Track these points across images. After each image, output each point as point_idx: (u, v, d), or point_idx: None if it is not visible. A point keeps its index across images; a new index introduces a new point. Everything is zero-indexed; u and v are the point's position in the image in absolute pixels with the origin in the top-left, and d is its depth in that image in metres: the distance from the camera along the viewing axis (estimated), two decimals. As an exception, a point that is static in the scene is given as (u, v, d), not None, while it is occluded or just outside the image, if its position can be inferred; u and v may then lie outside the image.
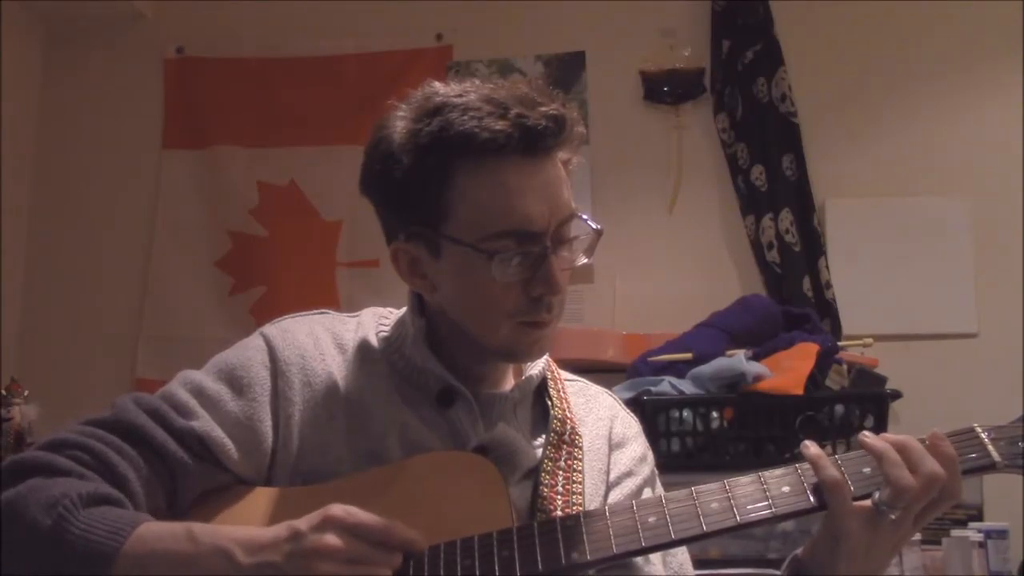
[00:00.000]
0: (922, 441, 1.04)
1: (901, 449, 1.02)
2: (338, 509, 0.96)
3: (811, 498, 1.02)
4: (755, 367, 2.46)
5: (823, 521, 1.04)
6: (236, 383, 1.13)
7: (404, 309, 1.22)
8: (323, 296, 3.08)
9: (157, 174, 3.32)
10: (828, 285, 2.92)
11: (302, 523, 0.95)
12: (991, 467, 1.04)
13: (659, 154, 3.12)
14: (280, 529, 0.96)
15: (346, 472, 1.10)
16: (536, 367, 1.22)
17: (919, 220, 2.98)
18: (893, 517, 1.01)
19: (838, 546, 1.03)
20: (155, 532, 0.97)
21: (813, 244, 2.95)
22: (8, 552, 0.97)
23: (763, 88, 3.04)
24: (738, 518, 1.01)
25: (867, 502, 1.02)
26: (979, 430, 1.06)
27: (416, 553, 0.99)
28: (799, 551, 1.11)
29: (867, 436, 1.04)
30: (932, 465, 1.00)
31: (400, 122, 1.11)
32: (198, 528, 0.98)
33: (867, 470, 1.03)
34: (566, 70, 3.18)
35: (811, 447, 1.03)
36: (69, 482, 0.99)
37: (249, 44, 3.36)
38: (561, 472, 1.14)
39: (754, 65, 3.05)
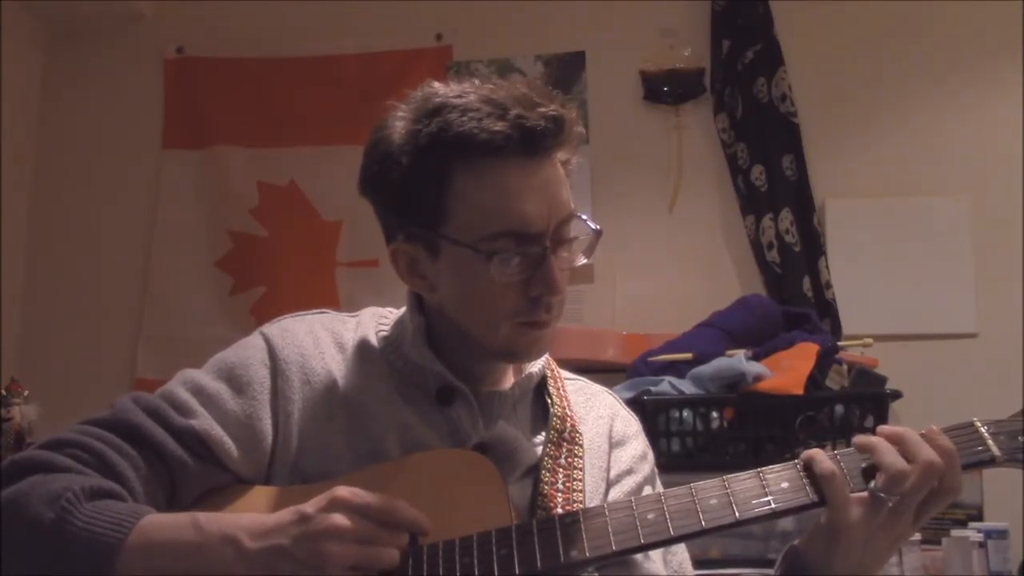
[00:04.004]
0: (921, 434, 1.05)
1: (899, 440, 1.03)
2: (344, 490, 0.96)
3: (810, 493, 1.03)
4: (755, 367, 2.46)
5: (823, 513, 1.05)
6: (236, 382, 1.13)
7: (404, 309, 1.23)
8: (323, 296, 3.08)
9: (157, 174, 3.32)
10: (828, 285, 2.92)
11: (309, 506, 0.96)
12: (991, 461, 1.05)
13: (659, 154, 3.12)
14: (286, 513, 0.96)
15: (345, 471, 1.10)
16: (536, 365, 1.23)
17: (919, 220, 2.98)
18: (891, 504, 1.01)
19: (836, 538, 1.03)
20: (159, 523, 0.97)
21: (813, 244, 2.95)
22: (11, 548, 0.97)
23: (763, 88, 3.04)
24: (737, 514, 1.01)
25: (865, 492, 1.02)
26: (979, 424, 1.07)
27: (421, 532, 1.00)
28: (796, 542, 1.12)
29: (859, 436, 1.06)
30: (929, 453, 1.02)
31: (399, 123, 1.11)
32: (203, 517, 0.98)
33: (864, 465, 1.04)
34: (566, 70, 3.19)
35: (810, 450, 1.06)
36: (71, 477, 1.00)
37: (249, 44, 3.36)
38: (561, 470, 1.15)
39: (754, 65, 3.05)
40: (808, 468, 1.04)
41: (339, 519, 0.94)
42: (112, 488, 1.00)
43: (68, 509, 0.95)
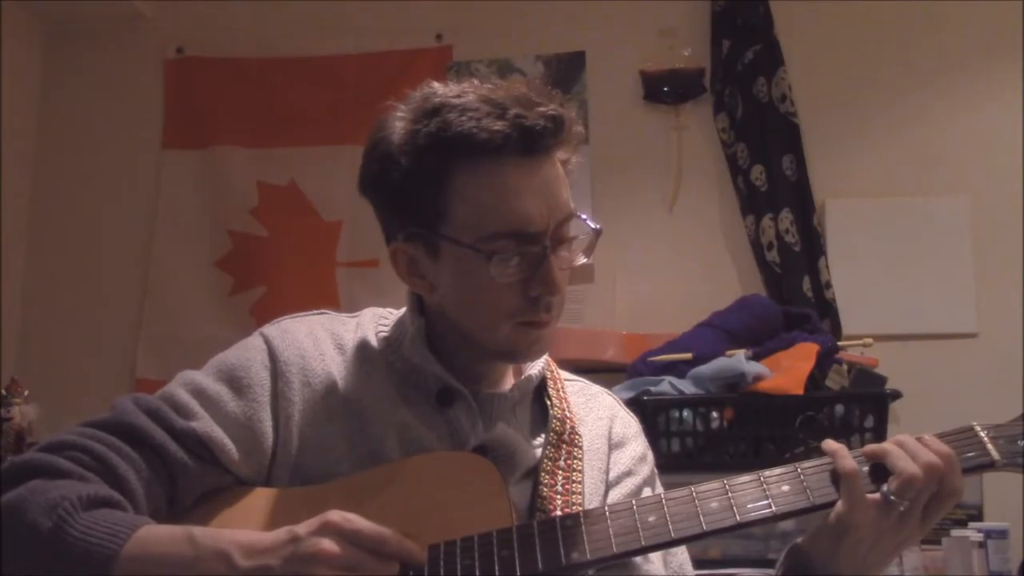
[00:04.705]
0: (918, 439, 1.06)
1: (900, 445, 1.05)
2: (336, 515, 0.96)
3: (810, 496, 1.03)
4: (755, 367, 2.46)
5: (831, 512, 1.05)
6: (236, 383, 1.13)
7: (404, 309, 1.23)
8: (323, 296, 3.08)
9: (157, 174, 3.32)
10: (828, 285, 2.92)
11: (301, 528, 0.95)
12: (990, 465, 1.05)
13: (659, 154, 3.12)
14: (279, 533, 0.96)
15: (345, 472, 1.10)
16: (535, 367, 1.22)
17: (919, 220, 2.98)
18: (902, 508, 1.02)
19: (844, 538, 1.04)
20: (154, 535, 0.97)
21: (813, 244, 2.95)
22: (9, 554, 0.97)
23: (763, 88, 3.04)
24: (738, 517, 1.01)
25: (876, 495, 1.03)
26: (978, 428, 1.07)
27: (414, 565, 0.99)
28: (799, 540, 1.12)
29: (869, 445, 1.07)
30: (929, 456, 1.03)
31: (398, 123, 1.11)
32: (198, 531, 0.98)
33: (866, 468, 1.05)
34: (566, 70, 3.19)
35: (831, 442, 1.07)
36: (69, 484, 1.00)
37: (249, 44, 3.36)
38: (561, 472, 1.15)
39: (754, 65, 3.05)
40: (807, 471, 1.04)
41: (328, 545, 0.93)
42: (110, 496, 1.00)
43: (65, 518, 0.95)
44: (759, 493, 1.03)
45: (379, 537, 0.96)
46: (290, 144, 3.26)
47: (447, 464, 1.09)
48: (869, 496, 1.03)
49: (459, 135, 1.06)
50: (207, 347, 1.24)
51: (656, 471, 1.28)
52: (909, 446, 1.04)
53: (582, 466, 1.17)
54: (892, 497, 1.02)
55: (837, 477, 1.04)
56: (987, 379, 2.76)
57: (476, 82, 1.11)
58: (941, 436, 1.07)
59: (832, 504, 1.04)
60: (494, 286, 1.08)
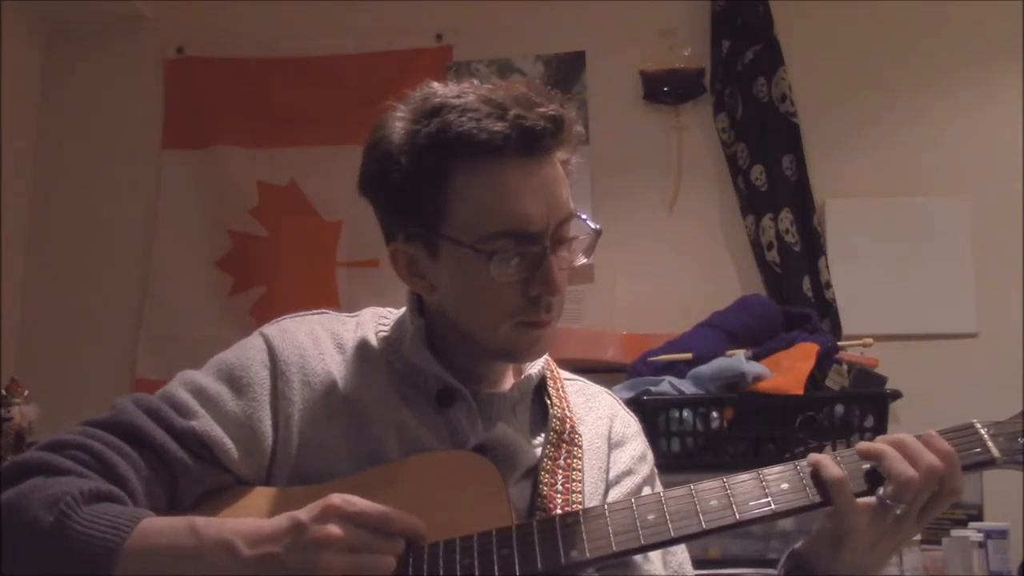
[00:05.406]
0: (918, 437, 1.05)
1: (899, 446, 1.04)
2: (338, 499, 0.96)
3: (810, 495, 1.03)
4: (755, 367, 2.46)
5: (826, 517, 1.05)
6: (236, 383, 1.13)
7: (404, 309, 1.23)
8: (323, 296, 3.08)
9: (157, 174, 3.32)
10: (828, 285, 2.92)
11: (303, 514, 0.96)
12: (990, 463, 1.05)
13: (659, 154, 3.12)
14: (282, 520, 0.96)
15: (345, 472, 1.10)
16: (535, 366, 1.22)
17: (919, 220, 2.98)
18: (899, 512, 1.01)
19: (842, 542, 1.04)
20: (157, 527, 0.97)
21: (813, 244, 2.95)
22: (10, 551, 0.97)
23: (763, 88, 3.04)
24: (737, 515, 1.01)
25: (872, 498, 1.03)
26: (978, 426, 1.07)
27: (418, 539, 0.99)
28: (798, 545, 1.12)
29: (864, 443, 1.06)
30: (930, 458, 1.02)
31: (398, 123, 1.11)
32: (200, 522, 0.98)
33: (866, 466, 1.04)
34: (566, 70, 3.19)
35: (814, 455, 1.06)
36: (70, 480, 1.00)
37: (249, 44, 3.36)
38: (560, 471, 1.15)
39: (754, 65, 3.05)
40: (809, 470, 1.04)
41: (332, 528, 0.94)
42: (111, 491, 1.00)
43: (67, 513, 0.95)
44: (759, 491, 1.02)
45: (382, 516, 0.97)
46: (290, 144, 3.27)
47: (447, 464, 1.09)
48: (863, 501, 1.02)
49: (459, 135, 1.06)
50: (207, 347, 1.24)
51: (656, 470, 1.28)
52: (909, 447, 1.03)
53: (582, 465, 1.17)
54: (888, 501, 1.01)
55: (824, 485, 1.02)
56: (987, 379, 2.76)
57: (476, 82, 1.11)
58: (941, 433, 1.06)
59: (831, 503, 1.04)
60: (494, 286, 1.08)
